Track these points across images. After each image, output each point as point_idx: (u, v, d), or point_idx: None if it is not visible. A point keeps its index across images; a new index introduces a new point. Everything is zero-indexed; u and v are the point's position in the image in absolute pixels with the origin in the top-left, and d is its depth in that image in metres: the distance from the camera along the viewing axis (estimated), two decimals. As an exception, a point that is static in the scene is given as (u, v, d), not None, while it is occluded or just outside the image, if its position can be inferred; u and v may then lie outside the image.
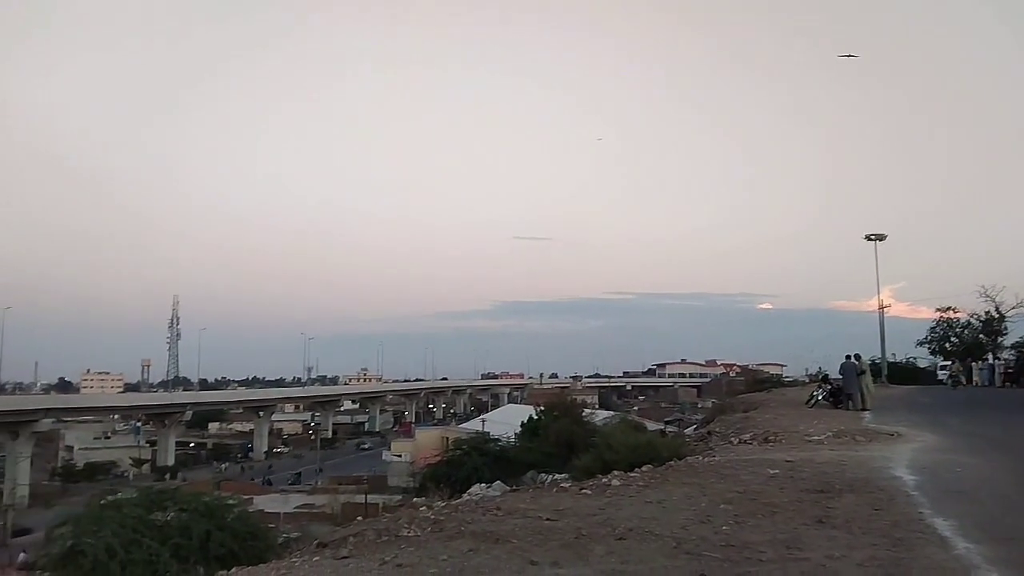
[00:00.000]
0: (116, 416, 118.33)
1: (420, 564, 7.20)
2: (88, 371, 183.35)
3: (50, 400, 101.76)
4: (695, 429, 33.35)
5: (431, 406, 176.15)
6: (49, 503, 63.32)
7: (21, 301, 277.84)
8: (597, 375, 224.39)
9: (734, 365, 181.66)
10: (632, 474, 12.97)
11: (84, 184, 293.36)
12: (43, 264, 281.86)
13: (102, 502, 21.01)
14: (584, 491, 11.59)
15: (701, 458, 15.09)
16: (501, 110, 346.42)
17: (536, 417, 37.33)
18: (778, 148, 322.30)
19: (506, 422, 49.73)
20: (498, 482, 17.55)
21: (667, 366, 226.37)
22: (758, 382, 58.56)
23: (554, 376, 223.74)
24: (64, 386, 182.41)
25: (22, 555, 42.40)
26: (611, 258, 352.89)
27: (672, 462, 14.45)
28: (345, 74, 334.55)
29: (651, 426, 44.07)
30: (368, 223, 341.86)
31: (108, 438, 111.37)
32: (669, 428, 49.83)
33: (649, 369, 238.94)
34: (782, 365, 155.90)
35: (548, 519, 9.12)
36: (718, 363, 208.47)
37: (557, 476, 17.81)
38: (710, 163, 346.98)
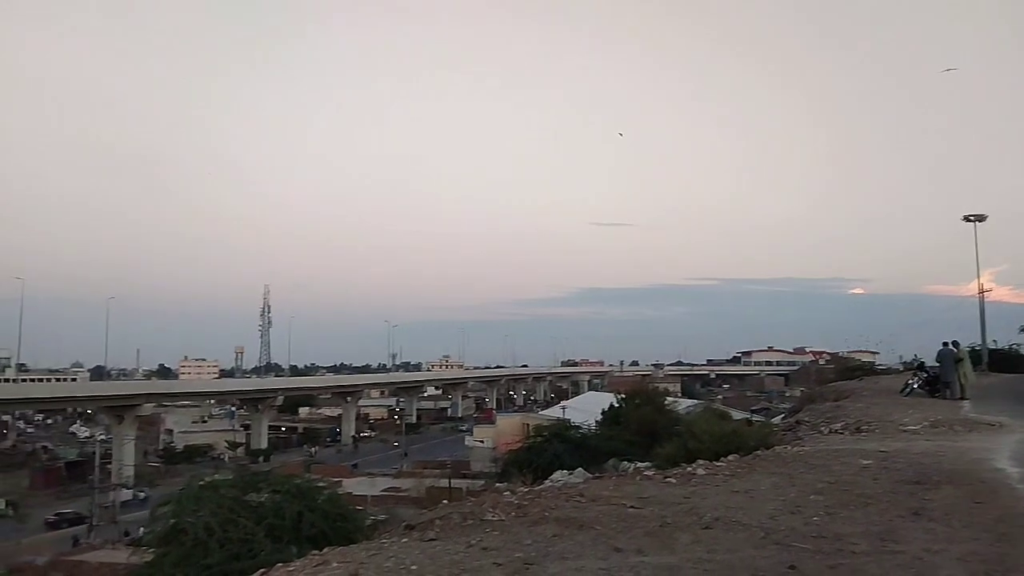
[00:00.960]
0: (212, 401, 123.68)
1: (505, 548, 7.28)
2: (186, 358, 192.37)
3: (151, 386, 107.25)
4: (783, 418, 32.55)
5: (511, 393, 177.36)
6: (152, 483, 66.75)
7: (124, 292, 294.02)
8: (680, 363, 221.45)
9: (823, 353, 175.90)
10: (718, 463, 12.78)
11: (178, 178, 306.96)
12: (143, 256, 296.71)
13: (201, 483, 21.90)
14: (668, 479, 11.49)
15: (789, 448, 14.74)
16: (577, 95, 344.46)
17: (617, 405, 37.03)
18: (870, 127, 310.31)
19: (586, 409, 49.61)
20: (580, 469, 17.52)
21: (753, 354, 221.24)
22: (849, 370, 56.43)
23: (635, 364, 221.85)
24: (164, 372, 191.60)
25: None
26: (694, 243, 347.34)
27: (759, 451, 14.16)
28: (423, 62, 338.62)
29: (736, 415, 43.17)
30: (449, 211, 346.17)
31: (205, 422, 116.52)
32: (755, 417, 48.75)
33: (734, 357, 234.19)
34: (874, 353, 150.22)
35: (632, 507, 9.08)
36: (807, 350, 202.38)
37: (639, 464, 17.66)
38: (799, 144, 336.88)
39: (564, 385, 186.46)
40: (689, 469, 12.32)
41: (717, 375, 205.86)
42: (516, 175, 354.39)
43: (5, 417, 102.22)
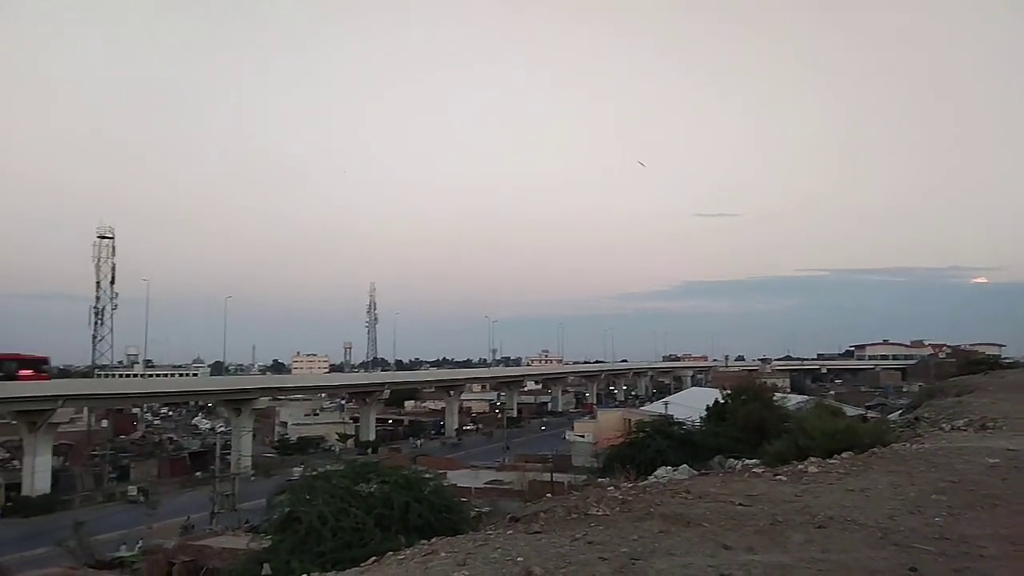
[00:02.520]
0: (323, 394, 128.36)
1: (611, 542, 7.26)
2: (298, 353, 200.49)
3: (266, 380, 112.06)
4: (900, 414, 31.16)
5: (612, 388, 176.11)
6: (268, 473, 69.87)
7: (241, 291, 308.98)
8: (788, 357, 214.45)
9: (944, 346, 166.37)
10: (831, 461, 12.35)
11: (289, 178, 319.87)
12: (259, 257, 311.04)
13: (313, 473, 22.76)
14: (778, 477, 11.18)
15: (908, 445, 14.09)
16: (680, 86, 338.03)
17: (723, 400, 36.27)
18: (988, 106, 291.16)
19: (690, 405, 48.72)
20: (684, 465, 17.25)
21: (867, 347, 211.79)
22: (972, 364, 53.28)
23: (741, 358, 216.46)
24: (278, 367, 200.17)
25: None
26: (803, 233, 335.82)
27: (875, 449, 13.60)
28: (515, 59, 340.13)
29: (850, 411, 41.49)
30: (549, 205, 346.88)
31: (317, 415, 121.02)
32: (870, 413, 46.75)
33: (847, 351, 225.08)
34: (1000, 345, 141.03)
35: (741, 504, 8.89)
36: (925, 343, 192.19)
37: (747, 461, 17.24)
38: (911, 128, 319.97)
39: (666, 380, 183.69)
40: (800, 467, 11.95)
41: (828, 370, 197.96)
42: (616, 168, 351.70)
43: (135, 410, 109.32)
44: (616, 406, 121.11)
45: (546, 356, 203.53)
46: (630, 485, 11.78)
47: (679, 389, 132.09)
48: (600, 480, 19.87)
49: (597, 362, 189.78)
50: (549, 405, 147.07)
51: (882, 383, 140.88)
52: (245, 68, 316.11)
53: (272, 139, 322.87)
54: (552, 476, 46.20)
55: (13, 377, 68.52)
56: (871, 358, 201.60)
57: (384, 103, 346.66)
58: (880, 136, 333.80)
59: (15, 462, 71.38)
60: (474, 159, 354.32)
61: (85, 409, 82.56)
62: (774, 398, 34.40)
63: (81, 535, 44.49)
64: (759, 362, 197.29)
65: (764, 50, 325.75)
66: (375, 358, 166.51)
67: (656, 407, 68.08)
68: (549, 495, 14.73)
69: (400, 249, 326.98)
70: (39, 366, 75.60)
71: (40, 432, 63.54)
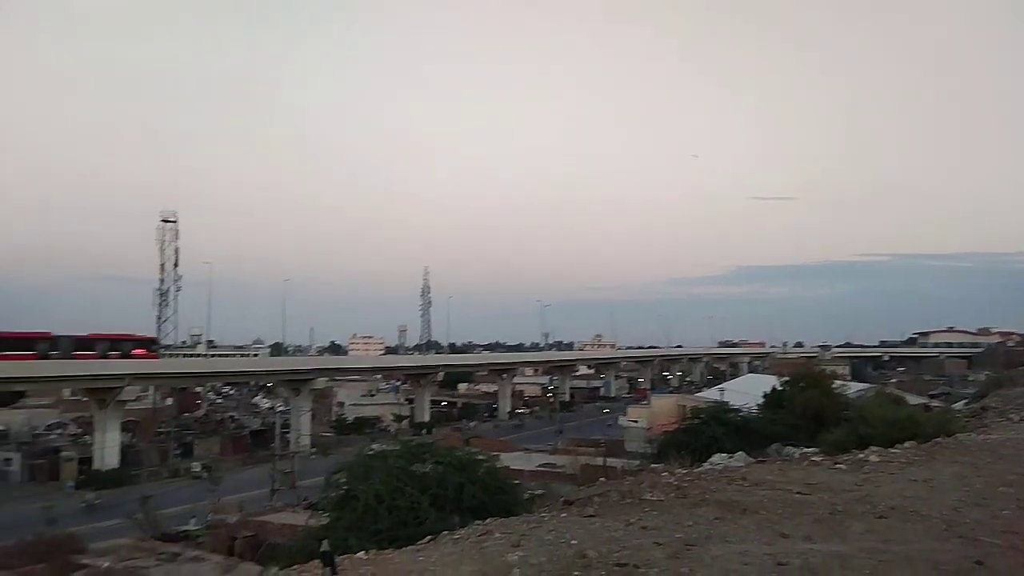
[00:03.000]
0: (379, 376, 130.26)
1: (665, 528, 7.25)
2: (354, 335, 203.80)
3: (324, 361, 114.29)
4: (965, 404, 30.21)
5: (666, 374, 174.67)
6: (326, 452, 71.32)
7: (299, 274, 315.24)
8: (848, 344, 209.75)
9: (1012, 334, 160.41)
10: (892, 450, 12.09)
11: (345, 163, 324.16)
12: (316, 240, 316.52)
13: (370, 453, 23.15)
14: (838, 466, 10.99)
15: (974, 435, 13.69)
16: (734, 66, 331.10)
17: (780, 387, 35.67)
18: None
19: (746, 392, 48.00)
20: (740, 453, 17.10)
21: (931, 335, 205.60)
22: (1044, 353, 51.31)
23: (799, 345, 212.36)
24: (335, 349, 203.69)
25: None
26: (863, 216, 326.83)
27: (939, 439, 13.26)
28: (564, 48, 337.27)
29: (912, 400, 40.46)
30: (601, 189, 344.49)
31: (373, 396, 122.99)
32: (934, 403, 45.44)
33: (909, 338, 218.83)
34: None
35: (799, 492, 8.76)
36: (992, 331, 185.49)
37: (805, 450, 16.97)
38: (976, 109, 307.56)
39: (722, 367, 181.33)
40: (861, 456, 11.73)
41: (890, 357, 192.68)
42: (669, 150, 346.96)
43: (198, 389, 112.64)
44: (670, 392, 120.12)
45: (599, 341, 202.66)
46: (685, 471, 11.73)
47: (735, 375, 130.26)
48: (654, 466, 19.80)
49: (651, 347, 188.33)
50: (602, 390, 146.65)
51: (947, 372, 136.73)
52: (303, 59, 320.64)
53: (329, 125, 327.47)
54: (605, 461, 46.12)
55: (128, 356, 74.25)
56: (935, 346, 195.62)
57: (437, 89, 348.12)
58: (946, 119, 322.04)
59: (87, 437, 74.29)
60: (528, 144, 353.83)
61: (151, 387, 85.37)
62: (833, 385, 33.70)
63: (148, 509, 46.17)
64: (818, 349, 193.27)
65: (826, 31, 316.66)
66: (429, 341, 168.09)
67: (711, 393, 67.27)
68: (602, 479, 14.73)
69: (453, 233, 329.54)
70: (149, 346, 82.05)
71: (109, 409, 66.00)
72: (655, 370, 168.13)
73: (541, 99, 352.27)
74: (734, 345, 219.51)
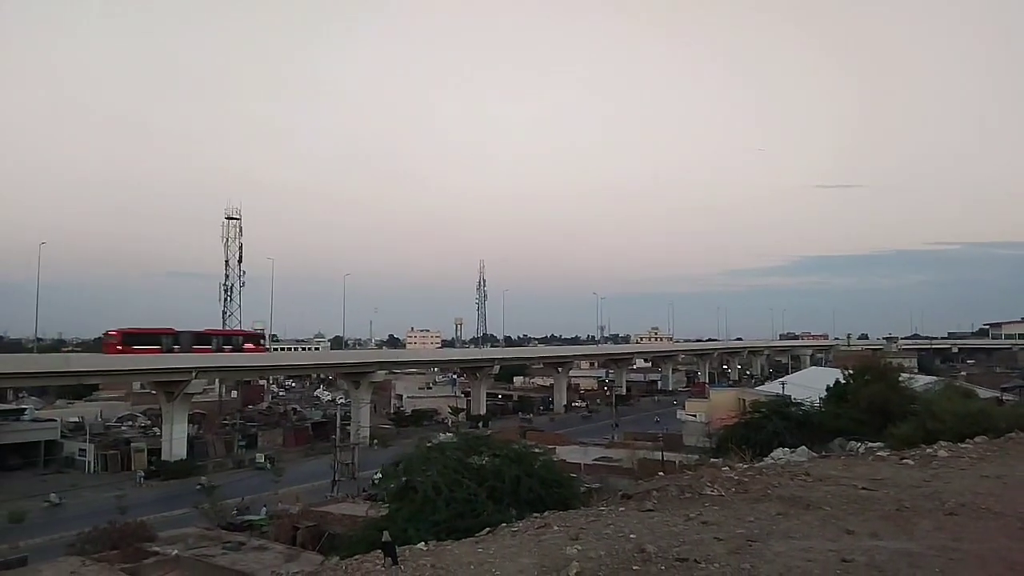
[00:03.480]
0: (436, 369, 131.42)
1: (726, 523, 7.15)
2: (412, 329, 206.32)
3: (383, 354, 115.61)
4: (1041, 398, 29.00)
5: (725, 367, 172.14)
6: (385, 443, 72.33)
7: (358, 269, 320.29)
8: (916, 336, 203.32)
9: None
10: (962, 445, 11.70)
11: (402, 160, 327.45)
12: (374, 237, 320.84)
13: (428, 445, 23.37)
14: (905, 461, 10.68)
15: (1051, 431, 13.13)
16: (795, 52, 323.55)
17: (844, 381, 34.82)
18: None
19: (809, 385, 47.04)
20: (803, 447, 16.74)
21: (1003, 326, 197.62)
22: None
23: (864, 337, 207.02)
24: (393, 342, 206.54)
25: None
26: (932, 204, 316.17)
27: (1012, 434, 12.77)
28: (630, 38, 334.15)
29: (983, 393, 39.09)
30: (656, 179, 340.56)
31: (430, 388, 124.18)
32: (1007, 396, 43.81)
33: (980, 329, 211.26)
34: None
35: (864, 488, 8.55)
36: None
37: (871, 444, 16.54)
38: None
39: (783, 359, 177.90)
40: (929, 451, 11.39)
41: (960, 349, 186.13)
42: (730, 139, 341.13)
43: (261, 382, 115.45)
44: (730, 385, 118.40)
45: (655, 334, 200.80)
46: (746, 466, 11.55)
47: (797, 369, 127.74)
48: (714, 460, 19.55)
49: (709, 340, 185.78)
50: (659, 383, 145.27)
51: (1020, 364, 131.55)
52: (360, 57, 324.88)
53: (385, 122, 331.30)
54: (663, 455, 45.77)
55: (240, 349, 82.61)
56: (1007, 337, 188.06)
57: (490, 85, 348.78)
58: (1017, 101, 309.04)
59: (155, 429, 76.81)
60: (582, 136, 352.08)
61: (217, 380, 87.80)
62: (900, 379, 32.73)
63: (214, 498, 47.57)
64: (884, 341, 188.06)
65: (890, 16, 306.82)
66: (484, 334, 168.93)
67: (772, 387, 66.24)
68: (661, 474, 14.59)
69: (509, 227, 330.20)
70: (257, 340, 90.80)
71: (176, 402, 68.08)
72: (714, 363, 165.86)
73: (595, 92, 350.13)
74: (796, 337, 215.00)
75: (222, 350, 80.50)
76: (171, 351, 74.25)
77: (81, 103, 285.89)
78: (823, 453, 14.54)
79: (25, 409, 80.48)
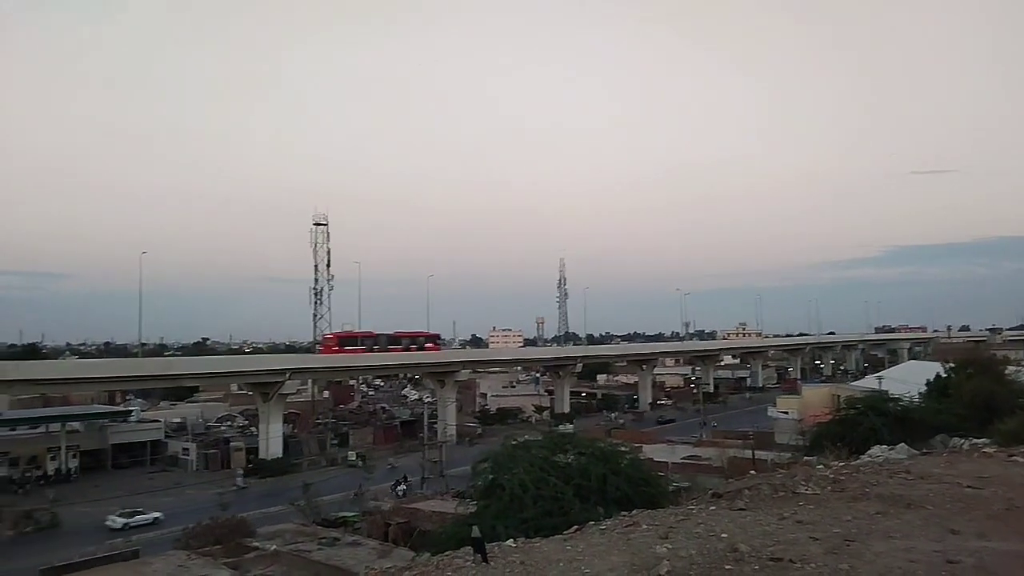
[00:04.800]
0: (519, 367, 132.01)
1: (822, 522, 6.97)
2: (494, 328, 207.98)
3: (467, 354, 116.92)
4: None
5: (818, 362, 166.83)
6: (471, 442, 73.10)
7: (441, 270, 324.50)
8: (1022, 327, 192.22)
9: None
10: (1079, 442, 11.01)
11: (484, 160, 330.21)
12: (456, 237, 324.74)
13: (513, 443, 23.52)
14: (1014, 458, 10.16)
15: None
16: (883, 34, 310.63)
17: (945, 375, 33.30)
18: None
19: (906, 380, 45.19)
20: (902, 444, 16.10)
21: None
22: None
23: (965, 328, 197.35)
24: (476, 342, 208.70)
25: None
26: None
27: None
28: (709, 27, 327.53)
29: (1101, 387, 36.61)
30: (740, 169, 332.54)
31: (513, 387, 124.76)
32: None
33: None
34: None
35: (970, 487, 8.17)
36: None
37: (975, 441, 15.77)
38: None
39: (879, 354, 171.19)
40: (1041, 448, 10.77)
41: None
42: (816, 125, 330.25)
43: (351, 382, 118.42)
44: (822, 381, 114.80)
45: (743, 329, 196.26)
46: (841, 464, 11.20)
47: (894, 363, 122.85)
48: (807, 458, 19.01)
49: (800, 335, 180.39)
50: (748, 380, 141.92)
51: None
52: (439, 59, 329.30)
53: (467, 124, 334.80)
54: (754, 453, 44.76)
55: (423, 349, 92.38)
56: None
57: (569, 83, 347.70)
58: None
59: (252, 429, 79.80)
60: (662, 129, 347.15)
61: (309, 381, 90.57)
62: (1006, 372, 31.09)
63: (309, 495, 49.08)
64: (987, 332, 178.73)
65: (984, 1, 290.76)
66: (566, 332, 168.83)
67: (868, 382, 64.04)
68: (752, 472, 14.27)
69: (589, 224, 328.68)
70: (435, 340, 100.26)
71: (272, 402, 70.56)
72: (805, 359, 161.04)
73: (680, 87, 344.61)
74: (892, 330, 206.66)
75: (409, 349, 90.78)
76: (371, 351, 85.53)
77: (177, 118, 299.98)
78: (924, 450, 13.95)
79: (132, 411, 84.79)
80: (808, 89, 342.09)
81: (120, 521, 48.54)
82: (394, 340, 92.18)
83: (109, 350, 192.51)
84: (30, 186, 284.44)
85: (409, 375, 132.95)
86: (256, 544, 33.75)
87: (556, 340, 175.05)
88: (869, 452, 14.23)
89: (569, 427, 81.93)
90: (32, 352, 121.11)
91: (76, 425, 71.89)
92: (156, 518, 49.61)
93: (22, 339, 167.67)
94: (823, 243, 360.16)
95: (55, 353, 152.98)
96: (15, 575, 35.89)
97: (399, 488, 50.80)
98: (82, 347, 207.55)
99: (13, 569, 37.52)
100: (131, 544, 39.89)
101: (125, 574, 28.47)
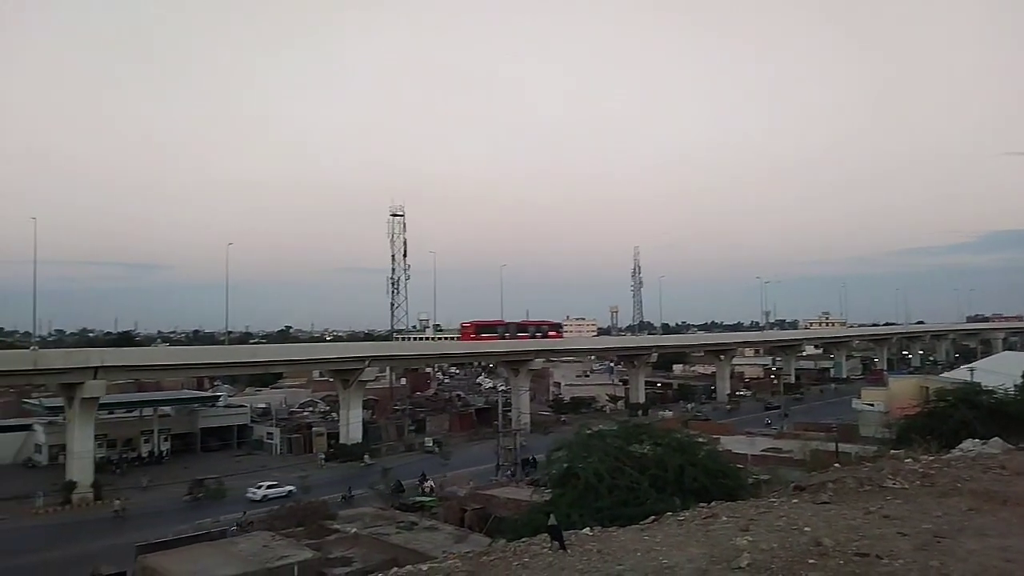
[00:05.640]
0: (592, 357, 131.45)
1: (910, 518, 6.74)
2: (568, 317, 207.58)
3: (540, 343, 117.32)
4: None
5: (905, 352, 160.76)
6: (545, 430, 73.37)
7: (514, 259, 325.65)
8: None
9: None
10: None
11: (557, 144, 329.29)
12: (530, 226, 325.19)
13: (588, 432, 23.46)
14: (1123, 456, 9.57)
15: None
16: (977, 11, 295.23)
17: (1045, 366, 31.59)
18: None
19: (1001, 371, 43.07)
20: (996, 439, 15.39)
21: None
22: None
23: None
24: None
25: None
26: None
27: None
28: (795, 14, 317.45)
29: None
30: (819, 152, 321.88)
31: (587, 376, 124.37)
32: None
33: None
34: None
35: (1072, 484, 7.76)
36: None
37: (1079, 436, 14.93)
38: None
39: (971, 344, 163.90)
40: None
41: None
42: (901, 103, 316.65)
43: (428, 369, 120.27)
44: (910, 372, 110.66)
45: (826, 318, 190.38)
46: (931, 458, 10.79)
47: (987, 353, 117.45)
48: (894, 452, 18.39)
49: (886, 324, 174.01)
50: (831, 371, 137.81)
51: None
52: (518, 50, 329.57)
53: (544, 112, 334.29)
54: (837, 446, 43.50)
55: (546, 336, 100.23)
56: None
57: (648, 71, 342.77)
58: None
59: (333, 415, 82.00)
60: (739, 113, 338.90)
61: (387, 368, 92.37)
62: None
63: (388, 480, 50.22)
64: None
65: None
66: (641, 322, 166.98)
67: (959, 373, 61.49)
68: (836, 465, 13.87)
69: (664, 211, 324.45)
70: (558, 328, 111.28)
71: (352, 389, 72.30)
72: (892, 349, 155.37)
73: (767, 72, 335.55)
74: (986, 320, 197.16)
75: (535, 337, 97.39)
76: (503, 338, 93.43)
77: (261, 113, 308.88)
78: (1020, 445, 13.28)
79: (219, 396, 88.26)
80: (903, 74, 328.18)
81: (260, 492, 52.77)
82: (522, 328, 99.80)
83: (197, 338, 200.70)
84: (127, 182, 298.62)
85: (484, 363, 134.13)
86: (337, 527, 34.74)
87: (630, 329, 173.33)
88: (960, 446, 13.65)
89: (669, 413, 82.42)
90: (126, 340, 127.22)
91: (167, 409, 75.30)
92: (290, 491, 53.03)
93: (117, 327, 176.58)
94: (914, 229, 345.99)
95: (147, 341, 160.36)
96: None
97: (425, 485, 51.36)
98: (172, 335, 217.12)
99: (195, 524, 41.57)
100: (219, 524, 41.64)
101: (213, 552, 29.66)
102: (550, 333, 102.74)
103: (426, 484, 51.15)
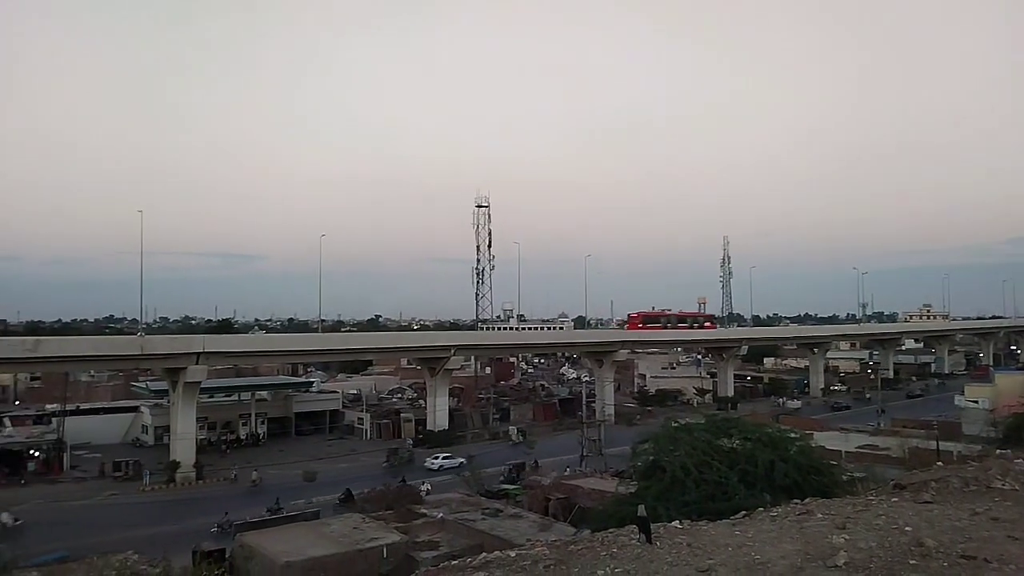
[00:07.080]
0: (679, 349, 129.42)
1: (1020, 520, 6.41)
2: (653, 308, 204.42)
3: (625, 334, 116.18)
4: None
5: (1014, 347, 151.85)
6: (630, 422, 72.80)
7: (599, 249, 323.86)
8: None
9: None
10: None
11: (638, 134, 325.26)
12: (615, 216, 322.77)
13: (675, 425, 23.20)
14: None
15: None
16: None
17: None
18: None
19: (1125, 369, 40.28)
20: (1118, 441, 14.41)
21: None
22: None
23: None
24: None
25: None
26: None
27: None
28: None
29: None
30: (920, 139, 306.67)
31: (674, 368, 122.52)
32: None
33: None
34: None
35: None
36: None
37: None
38: None
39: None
40: None
41: None
42: (1006, 89, 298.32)
43: (512, 359, 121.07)
44: (1019, 368, 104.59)
45: (928, 311, 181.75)
46: (1044, 459, 10.21)
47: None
48: (1001, 451, 17.48)
49: (993, 318, 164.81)
50: (932, 366, 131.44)
51: None
52: (601, 41, 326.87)
53: (627, 103, 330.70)
54: (938, 444, 41.65)
55: (701, 327, 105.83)
56: None
57: (739, 59, 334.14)
58: None
59: (420, 402, 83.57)
60: (831, 96, 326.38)
61: (472, 357, 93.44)
62: None
63: (474, 467, 50.87)
64: None
65: None
66: (730, 313, 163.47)
67: (1075, 371, 57.90)
68: (939, 464, 13.28)
69: (755, 200, 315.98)
70: (712, 319, 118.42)
71: (438, 377, 73.47)
72: (999, 344, 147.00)
73: (862, 60, 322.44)
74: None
75: (692, 328, 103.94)
76: (665, 328, 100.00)
77: (349, 109, 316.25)
78: None
79: (312, 382, 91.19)
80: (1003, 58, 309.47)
81: (436, 463, 58.14)
82: (681, 319, 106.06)
83: (292, 326, 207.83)
84: (227, 176, 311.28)
85: (568, 354, 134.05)
86: (424, 511, 35.46)
87: (720, 321, 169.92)
88: (1078, 448, 12.86)
89: (793, 404, 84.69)
90: (226, 327, 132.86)
91: (264, 394, 78.32)
92: (461, 462, 56.88)
93: (217, 314, 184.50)
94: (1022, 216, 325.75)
95: (245, 328, 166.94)
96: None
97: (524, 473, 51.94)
98: (268, 323, 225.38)
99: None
100: (312, 506, 43.10)
101: (306, 532, 30.74)
102: (706, 324, 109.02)
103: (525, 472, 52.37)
